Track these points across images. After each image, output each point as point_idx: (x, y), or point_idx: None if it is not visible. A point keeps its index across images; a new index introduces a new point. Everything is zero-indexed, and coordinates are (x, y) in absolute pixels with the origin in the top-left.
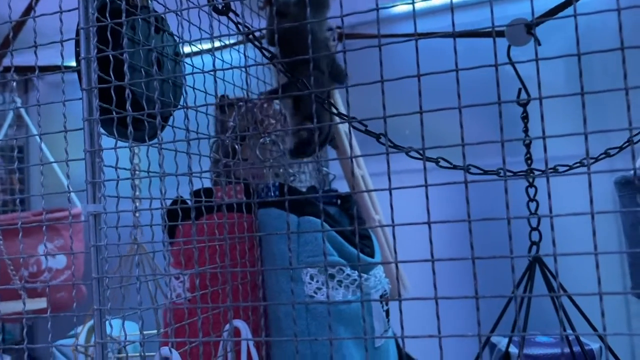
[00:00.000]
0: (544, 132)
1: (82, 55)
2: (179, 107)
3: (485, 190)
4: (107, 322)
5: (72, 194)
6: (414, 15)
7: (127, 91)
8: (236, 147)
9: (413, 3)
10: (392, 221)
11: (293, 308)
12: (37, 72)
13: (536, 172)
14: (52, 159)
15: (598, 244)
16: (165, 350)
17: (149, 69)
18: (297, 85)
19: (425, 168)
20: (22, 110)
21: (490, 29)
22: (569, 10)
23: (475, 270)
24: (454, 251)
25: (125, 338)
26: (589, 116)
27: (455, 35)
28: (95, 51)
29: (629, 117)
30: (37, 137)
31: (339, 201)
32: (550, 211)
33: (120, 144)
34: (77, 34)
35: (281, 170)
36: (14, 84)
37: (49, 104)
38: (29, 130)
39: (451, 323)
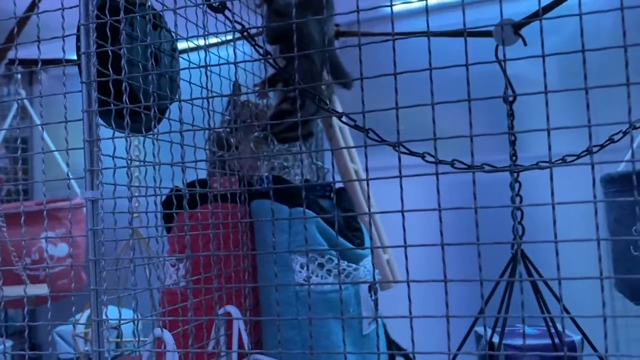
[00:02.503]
0: (513, 127)
1: (82, 50)
2: (174, 100)
3: (486, 191)
4: (102, 311)
5: (74, 186)
6: (392, 17)
7: (125, 84)
8: (231, 140)
9: (391, 5)
10: (369, 210)
11: (276, 290)
12: (39, 65)
13: (511, 166)
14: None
15: (584, 241)
16: (158, 330)
17: (146, 63)
18: (287, 72)
19: (399, 160)
20: (27, 103)
21: (472, 29)
22: (554, 12)
23: (444, 256)
24: (449, 247)
25: (120, 317)
26: (578, 114)
27: (429, 34)
28: (95, 46)
29: (588, 115)
30: (40, 127)
31: (332, 195)
32: (521, 201)
33: (117, 134)
34: (79, 29)
35: (276, 163)
36: (19, 76)
37: (51, 95)
38: (32, 122)
39: (433, 311)
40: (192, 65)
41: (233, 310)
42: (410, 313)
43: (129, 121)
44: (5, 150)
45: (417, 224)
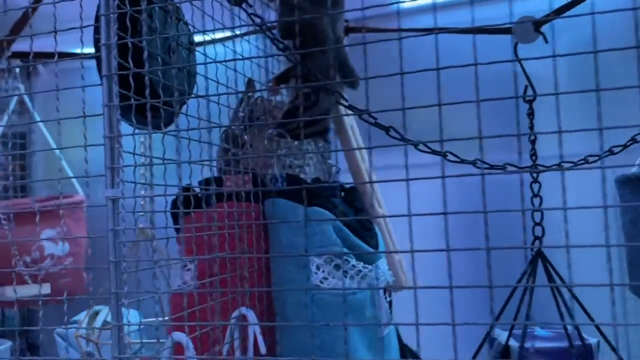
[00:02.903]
0: (533, 126)
1: (103, 41)
2: (198, 96)
3: (490, 188)
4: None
5: (74, 182)
6: (434, 10)
7: (146, 78)
8: (245, 137)
9: None
10: (409, 211)
11: (305, 294)
12: (56, 57)
13: (536, 168)
14: (54, 146)
15: (597, 242)
16: (176, 335)
17: (165, 56)
18: (304, 67)
19: (442, 162)
20: (25, 97)
21: (505, 26)
22: (573, 11)
23: (489, 260)
24: (462, 245)
25: (140, 322)
26: (590, 115)
27: (475, 31)
28: (116, 38)
29: (557, 118)
30: (42, 125)
31: (342, 193)
32: (541, 201)
33: (137, 130)
34: (97, 20)
35: (288, 161)
36: (17, 70)
37: (68, 89)
38: (31, 116)
39: (448, 316)
40: (208, 60)
41: (249, 312)
42: (453, 320)
43: (150, 117)
44: (1, 145)
45: (419, 227)
